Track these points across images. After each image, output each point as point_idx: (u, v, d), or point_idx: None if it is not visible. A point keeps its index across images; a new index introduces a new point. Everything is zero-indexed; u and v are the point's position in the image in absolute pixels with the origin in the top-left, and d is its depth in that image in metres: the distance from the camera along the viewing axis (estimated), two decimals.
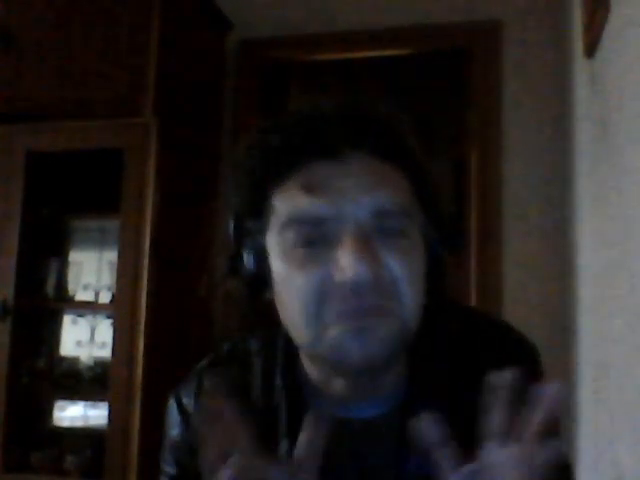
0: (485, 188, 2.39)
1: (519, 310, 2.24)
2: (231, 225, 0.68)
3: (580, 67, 1.89)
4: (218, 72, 2.56)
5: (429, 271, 0.66)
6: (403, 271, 0.60)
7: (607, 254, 1.46)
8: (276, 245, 0.63)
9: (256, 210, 0.65)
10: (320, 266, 0.60)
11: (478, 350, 0.69)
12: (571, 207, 2.15)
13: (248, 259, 0.66)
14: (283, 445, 0.66)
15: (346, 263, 0.58)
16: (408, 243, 0.62)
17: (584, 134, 1.88)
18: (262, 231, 0.65)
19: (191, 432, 0.73)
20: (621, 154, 1.29)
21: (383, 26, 2.54)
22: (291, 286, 0.62)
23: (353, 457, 0.67)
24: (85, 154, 2.13)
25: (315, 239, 0.61)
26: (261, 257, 0.65)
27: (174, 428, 0.75)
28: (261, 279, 0.66)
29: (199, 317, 2.34)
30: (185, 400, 0.75)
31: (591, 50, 1.60)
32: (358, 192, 0.60)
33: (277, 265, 0.63)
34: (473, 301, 2.33)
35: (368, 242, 0.59)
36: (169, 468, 0.75)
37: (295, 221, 0.61)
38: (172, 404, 0.76)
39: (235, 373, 0.73)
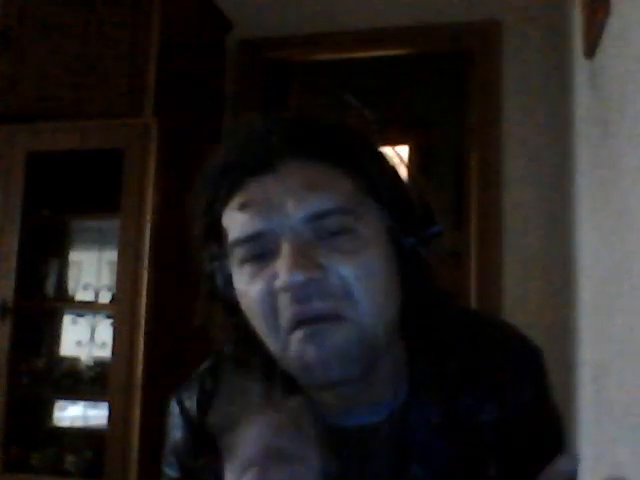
0: (485, 188, 2.39)
1: (519, 310, 2.24)
2: (200, 251, 0.69)
3: (580, 67, 1.89)
4: (218, 72, 2.56)
5: (404, 266, 0.65)
6: (352, 270, 0.60)
7: (607, 254, 1.46)
8: (231, 265, 0.64)
9: (214, 235, 0.66)
10: (264, 278, 0.60)
11: (480, 353, 0.68)
12: (571, 207, 2.15)
13: (219, 283, 0.67)
14: None
15: (281, 268, 0.58)
16: (356, 241, 0.61)
17: (584, 134, 1.88)
18: (224, 254, 0.66)
19: (194, 435, 0.72)
20: (621, 154, 1.29)
21: (383, 26, 2.54)
22: (246, 301, 0.63)
23: (352, 465, 0.66)
24: (85, 154, 2.13)
25: (260, 253, 0.61)
26: (229, 279, 0.66)
27: (177, 431, 0.74)
28: (234, 301, 0.66)
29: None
30: (187, 403, 0.74)
31: (591, 50, 1.60)
32: (289, 200, 0.60)
33: (235, 284, 0.64)
34: (473, 301, 2.33)
35: (303, 247, 0.59)
36: (172, 471, 0.74)
37: (238, 241, 0.62)
38: (174, 407, 0.75)
39: (237, 377, 0.72)
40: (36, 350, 2.27)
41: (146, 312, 1.97)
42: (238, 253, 0.63)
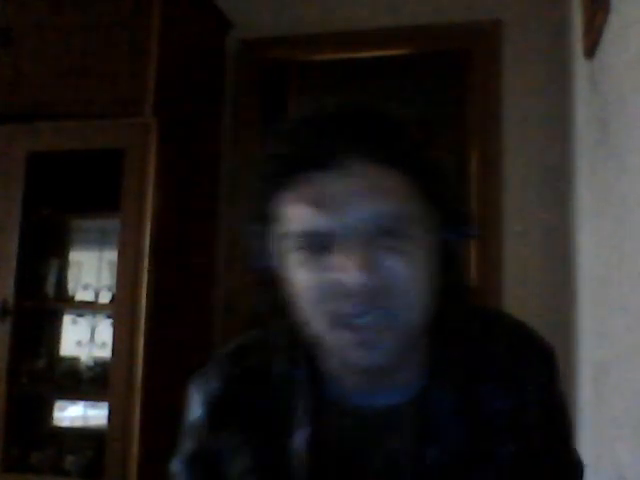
0: (485, 188, 2.39)
1: (519, 310, 2.23)
2: (246, 225, 0.71)
3: (580, 67, 1.89)
4: (218, 72, 2.56)
5: (443, 265, 0.67)
6: (404, 272, 0.62)
7: (607, 254, 1.46)
8: (282, 247, 0.66)
9: (264, 215, 0.67)
10: (320, 267, 0.63)
11: (498, 345, 0.72)
12: (571, 207, 2.15)
13: (263, 255, 0.69)
14: (300, 433, 0.69)
15: (344, 265, 0.61)
16: (410, 244, 0.63)
17: (584, 134, 1.88)
18: (273, 232, 0.67)
19: (212, 418, 0.74)
20: (621, 154, 1.29)
21: (383, 26, 2.54)
22: (295, 285, 0.65)
23: (372, 444, 0.69)
24: (85, 154, 2.13)
25: (316, 244, 0.63)
26: (274, 255, 0.68)
27: (195, 412, 0.76)
28: (276, 274, 0.68)
29: (199, 317, 2.34)
30: (206, 385, 0.76)
31: (591, 50, 1.60)
32: (357, 204, 0.61)
33: (285, 264, 0.66)
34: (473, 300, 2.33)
35: (366, 247, 0.61)
36: (188, 444, 0.76)
37: (297, 233, 0.64)
38: (193, 390, 0.77)
39: (256, 360, 0.75)
40: (36, 350, 2.27)
41: (146, 312, 1.96)
42: (294, 242, 0.64)
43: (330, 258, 0.62)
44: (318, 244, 0.63)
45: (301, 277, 0.64)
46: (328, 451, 0.69)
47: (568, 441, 0.77)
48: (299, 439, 0.69)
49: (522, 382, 0.71)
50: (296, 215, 0.64)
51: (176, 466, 0.77)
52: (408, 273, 0.63)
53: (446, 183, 0.68)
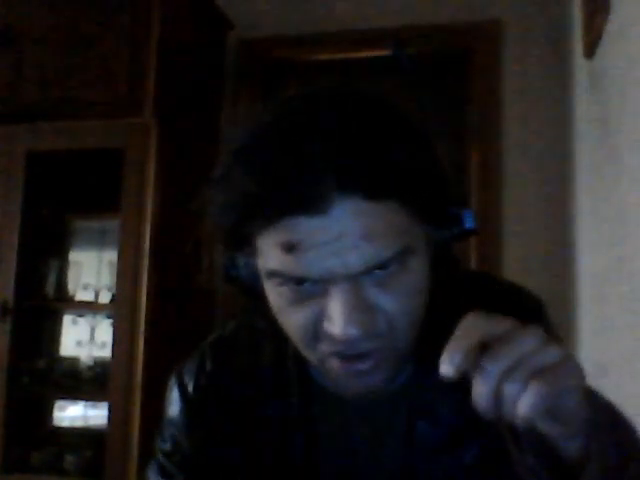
0: (485, 188, 2.39)
1: None
2: (220, 247, 0.66)
3: (580, 67, 1.89)
4: (218, 72, 2.56)
5: (437, 264, 0.63)
6: (399, 308, 0.58)
7: (607, 254, 1.46)
8: (264, 277, 0.60)
9: (241, 243, 0.61)
10: (310, 307, 0.58)
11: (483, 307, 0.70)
12: (571, 207, 2.15)
13: (242, 272, 0.64)
14: (293, 424, 0.68)
15: (336, 319, 0.55)
16: (405, 275, 0.58)
17: (584, 134, 1.88)
18: (252, 255, 0.61)
19: (189, 411, 0.73)
20: (621, 154, 1.29)
21: (383, 26, 2.54)
22: (284, 318, 0.61)
23: (362, 429, 0.68)
24: (85, 154, 2.13)
25: (299, 285, 0.58)
26: (254, 274, 0.62)
27: (173, 405, 0.74)
28: (257, 290, 0.63)
29: (199, 316, 2.34)
30: (186, 379, 0.75)
31: (591, 50, 1.60)
32: (347, 253, 0.54)
33: (268, 291, 0.61)
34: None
35: (358, 294, 0.56)
36: (163, 444, 0.74)
37: (279, 274, 0.57)
38: (173, 382, 0.76)
39: (241, 352, 0.73)
40: (36, 350, 2.27)
41: (146, 312, 1.97)
42: (277, 279, 0.58)
43: (316, 301, 0.57)
44: (301, 285, 0.57)
45: (285, 313, 0.60)
46: (317, 438, 0.68)
47: None
48: (292, 430, 0.68)
49: None
50: (275, 256, 0.56)
51: (152, 467, 0.75)
52: (404, 305, 0.58)
53: (444, 186, 0.62)
